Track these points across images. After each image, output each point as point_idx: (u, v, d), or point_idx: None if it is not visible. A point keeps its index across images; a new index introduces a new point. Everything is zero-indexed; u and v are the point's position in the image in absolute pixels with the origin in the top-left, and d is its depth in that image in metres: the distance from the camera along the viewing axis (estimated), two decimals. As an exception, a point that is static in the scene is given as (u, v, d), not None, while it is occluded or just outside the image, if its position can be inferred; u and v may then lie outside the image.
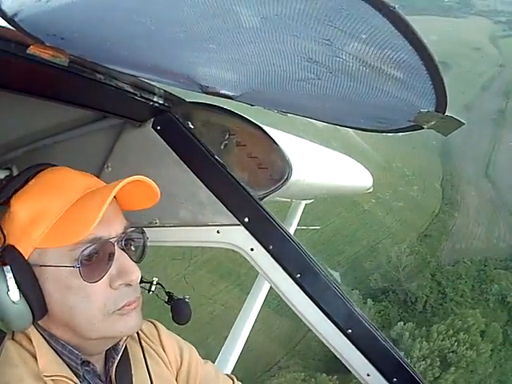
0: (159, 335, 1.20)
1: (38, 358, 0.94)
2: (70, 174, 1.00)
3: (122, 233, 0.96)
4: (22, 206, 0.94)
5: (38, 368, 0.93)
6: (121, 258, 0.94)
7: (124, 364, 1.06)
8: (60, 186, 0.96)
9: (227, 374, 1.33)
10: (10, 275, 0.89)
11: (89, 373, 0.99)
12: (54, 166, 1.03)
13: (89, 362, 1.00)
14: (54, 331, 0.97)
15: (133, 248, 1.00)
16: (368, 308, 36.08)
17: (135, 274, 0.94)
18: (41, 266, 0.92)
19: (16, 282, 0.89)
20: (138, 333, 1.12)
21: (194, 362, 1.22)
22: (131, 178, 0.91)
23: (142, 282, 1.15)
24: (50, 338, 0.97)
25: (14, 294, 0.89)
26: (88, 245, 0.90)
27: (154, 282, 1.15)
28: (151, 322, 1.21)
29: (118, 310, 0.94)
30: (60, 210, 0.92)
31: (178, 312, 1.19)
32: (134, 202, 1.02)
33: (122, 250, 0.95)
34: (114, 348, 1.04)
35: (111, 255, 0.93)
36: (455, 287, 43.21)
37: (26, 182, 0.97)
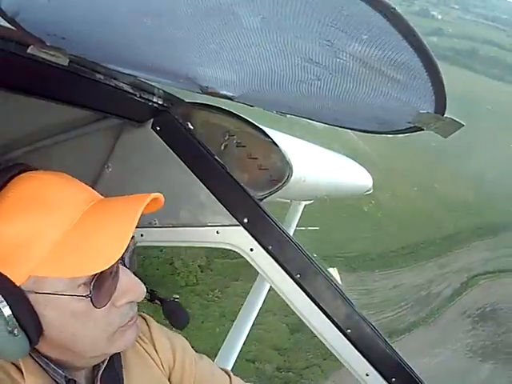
0: (150, 333, 1.12)
1: (24, 374, 0.88)
2: (57, 184, 0.85)
3: None
4: (7, 224, 0.79)
5: (23, 383, 0.88)
6: (124, 274, 0.87)
7: (113, 369, 1.00)
8: (50, 200, 0.82)
9: (223, 369, 1.28)
10: (3, 305, 0.78)
11: None
12: (29, 167, 0.90)
13: (75, 381, 0.93)
14: (42, 350, 0.89)
15: (129, 260, 0.91)
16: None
17: (140, 290, 0.88)
18: (37, 293, 0.80)
19: (12, 313, 0.78)
20: None
21: (188, 360, 1.16)
22: (152, 195, 0.84)
23: (154, 298, 1.11)
24: (32, 352, 0.89)
25: (12, 325, 0.79)
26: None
27: (171, 298, 1.11)
28: (141, 317, 1.12)
29: (122, 327, 0.89)
30: (57, 234, 0.79)
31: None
32: None
33: (124, 265, 0.88)
34: None
35: (116, 274, 0.85)
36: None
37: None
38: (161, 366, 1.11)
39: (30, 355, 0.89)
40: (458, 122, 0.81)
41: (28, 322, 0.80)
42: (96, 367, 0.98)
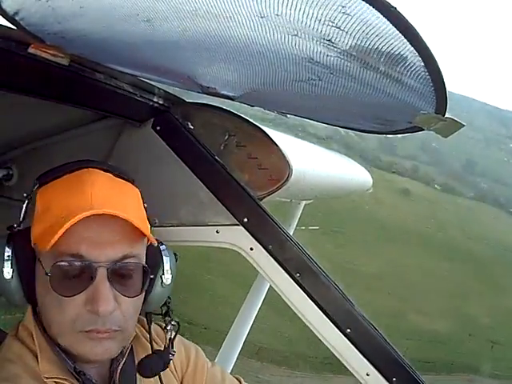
0: (166, 338, 1.13)
1: (39, 358, 0.93)
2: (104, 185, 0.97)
3: (115, 261, 0.91)
4: (43, 197, 0.95)
5: (37, 367, 0.92)
6: (99, 285, 0.89)
7: (129, 367, 1.02)
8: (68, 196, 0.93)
9: (234, 376, 1.29)
10: (8, 254, 0.93)
11: (89, 379, 0.96)
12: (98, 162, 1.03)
13: (84, 374, 0.96)
14: (48, 331, 0.95)
15: (128, 281, 0.93)
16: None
17: (103, 306, 0.88)
18: (38, 259, 0.93)
19: (16, 263, 0.93)
20: (144, 335, 1.10)
21: (200, 365, 1.19)
22: (96, 211, 0.86)
23: (166, 314, 1.12)
24: (49, 340, 0.95)
25: (7, 271, 0.92)
26: (67, 258, 0.88)
27: (173, 323, 1.11)
28: (157, 325, 1.16)
29: (86, 331, 0.90)
30: (59, 216, 0.89)
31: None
32: None
33: (109, 278, 0.90)
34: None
35: (92, 278, 0.89)
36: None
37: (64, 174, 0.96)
38: (174, 371, 1.14)
39: (48, 342, 0.94)
40: (458, 122, 0.81)
41: (23, 275, 0.93)
42: (115, 361, 1.01)
